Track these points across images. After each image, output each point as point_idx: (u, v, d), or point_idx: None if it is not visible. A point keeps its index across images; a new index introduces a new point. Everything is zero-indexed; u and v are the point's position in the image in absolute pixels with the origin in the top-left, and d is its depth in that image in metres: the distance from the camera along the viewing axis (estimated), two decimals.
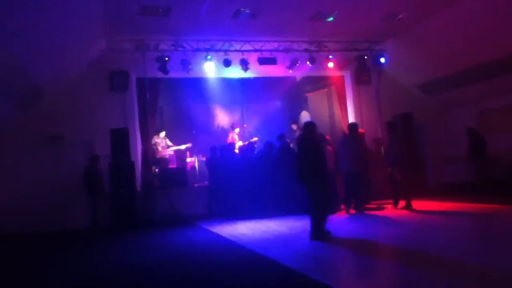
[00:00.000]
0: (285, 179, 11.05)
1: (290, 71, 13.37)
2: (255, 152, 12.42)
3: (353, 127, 10.95)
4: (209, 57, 12.28)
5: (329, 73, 14.24)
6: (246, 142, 13.61)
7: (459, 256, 5.63)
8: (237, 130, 14.28)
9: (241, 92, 14.76)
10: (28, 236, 10.47)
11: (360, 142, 10.98)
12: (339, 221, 9.67)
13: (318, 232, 7.26)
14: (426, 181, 14.00)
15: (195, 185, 12.79)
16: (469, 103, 13.63)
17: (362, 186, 10.70)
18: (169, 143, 13.28)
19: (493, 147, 12.10)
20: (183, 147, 13.46)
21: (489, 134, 12.35)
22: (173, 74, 12.33)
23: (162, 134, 13.08)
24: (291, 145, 12.36)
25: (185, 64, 12.04)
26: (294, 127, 14.60)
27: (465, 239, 6.90)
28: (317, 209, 7.32)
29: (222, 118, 15.88)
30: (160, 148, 12.92)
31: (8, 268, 7.52)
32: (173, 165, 13.42)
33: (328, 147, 11.21)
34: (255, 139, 13.79)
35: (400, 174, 10.40)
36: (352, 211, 10.41)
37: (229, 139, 13.89)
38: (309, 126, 7.63)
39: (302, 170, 7.40)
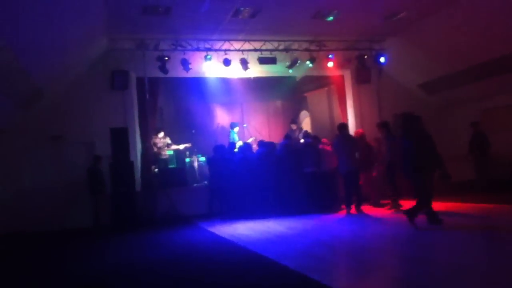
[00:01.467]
0: (286, 179, 11.06)
1: (290, 70, 13.35)
2: (254, 152, 12.40)
3: (342, 126, 11.06)
4: (209, 56, 12.26)
5: (329, 73, 14.22)
6: (243, 143, 13.60)
7: (461, 255, 5.62)
8: (236, 129, 14.26)
9: (241, 92, 14.75)
10: (30, 235, 10.47)
11: (355, 140, 10.99)
12: (340, 220, 9.67)
13: (434, 216, 7.70)
14: None
15: (195, 185, 12.78)
16: (471, 102, 13.62)
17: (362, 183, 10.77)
18: (169, 141, 13.25)
19: (495, 146, 12.07)
20: (181, 147, 13.44)
21: (491, 133, 12.32)
22: (173, 73, 12.31)
23: (161, 134, 13.06)
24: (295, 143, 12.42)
25: (185, 63, 12.01)
26: (294, 126, 14.60)
27: (466, 238, 6.88)
28: (428, 196, 7.69)
29: (222, 117, 15.88)
30: (158, 148, 12.90)
31: (10, 267, 7.51)
32: (172, 165, 13.40)
33: (327, 147, 11.24)
34: (251, 139, 13.79)
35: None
36: (353, 211, 10.41)
37: (231, 138, 13.86)
38: (416, 119, 8.09)
39: (416, 160, 7.63)
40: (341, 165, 10.58)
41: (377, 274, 5.26)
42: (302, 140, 12.77)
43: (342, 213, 10.51)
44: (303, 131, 13.91)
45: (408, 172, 7.84)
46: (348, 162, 10.41)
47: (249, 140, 13.70)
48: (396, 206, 10.36)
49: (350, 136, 11.22)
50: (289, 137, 12.02)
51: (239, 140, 13.89)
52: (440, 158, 7.71)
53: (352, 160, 10.45)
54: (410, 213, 7.69)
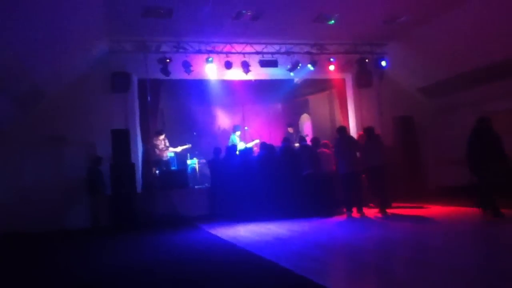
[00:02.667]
0: (286, 182, 11.05)
1: (292, 73, 13.37)
2: (255, 155, 12.42)
3: (341, 129, 11.17)
4: (210, 59, 12.29)
5: (330, 76, 14.24)
6: (246, 145, 13.63)
7: (459, 258, 5.61)
8: (238, 132, 14.29)
9: (242, 94, 14.79)
10: (29, 235, 10.46)
11: (355, 142, 11.07)
12: (340, 223, 9.68)
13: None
14: (426, 184, 13.95)
15: (196, 187, 12.79)
16: (471, 106, 13.57)
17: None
18: (167, 144, 13.26)
19: None
20: (179, 149, 13.44)
21: None
22: (175, 75, 12.35)
23: (162, 136, 13.08)
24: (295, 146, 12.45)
25: (187, 66, 12.04)
26: (291, 130, 14.64)
27: (464, 241, 6.87)
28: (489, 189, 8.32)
29: (223, 120, 15.91)
30: (159, 150, 12.91)
31: (9, 267, 7.51)
32: (173, 167, 13.41)
33: (326, 150, 11.28)
34: (255, 142, 13.80)
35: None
36: (355, 214, 10.43)
37: (230, 141, 13.89)
38: (482, 120, 8.57)
39: (486, 158, 8.25)
40: (342, 168, 10.60)
41: (376, 277, 5.26)
42: (297, 144, 12.80)
43: (343, 216, 10.50)
44: (299, 135, 13.96)
45: (471, 166, 8.47)
46: (349, 165, 10.44)
47: (252, 143, 13.74)
48: (384, 212, 10.42)
49: (350, 138, 11.26)
50: (287, 140, 12.04)
51: (241, 142, 13.91)
52: (492, 156, 8.18)
53: (352, 162, 10.48)
54: (493, 211, 8.17)
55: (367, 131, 11.03)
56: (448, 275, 4.89)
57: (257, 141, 13.91)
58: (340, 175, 10.72)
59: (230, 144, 13.34)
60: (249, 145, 13.87)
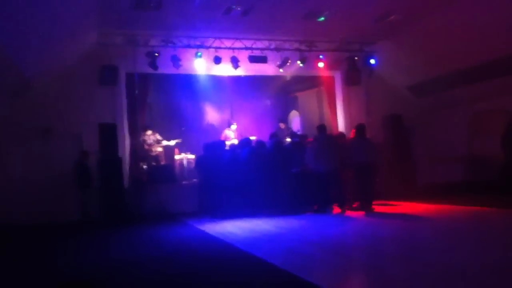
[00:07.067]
0: (275, 178, 11.03)
1: (281, 70, 13.34)
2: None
3: (321, 127, 11.21)
4: (199, 53, 12.20)
5: (319, 73, 14.25)
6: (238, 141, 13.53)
7: (449, 256, 5.65)
8: (233, 127, 14.16)
9: (231, 90, 14.71)
10: (17, 228, 10.30)
11: (335, 141, 11.10)
12: (328, 220, 9.70)
13: None
14: (415, 182, 14.05)
15: (183, 182, 12.72)
16: (460, 105, 13.71)
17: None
18: (159, 137, 13.15)
19: (484, 149, 12.14)
20: (172, 142, 13.36)
21: (480, 136, 12.40)
22: (163, 70, 12.24)
23: (149, 132, 12.97)
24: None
25: (175, 60, 11.95)
26: (282, 125, 14.60)
27: (453, 239, 6.92)
28: None
29: (211, 115, 15.82)
30: (147, 145, 12.81)
31: None
32: (161, 162, 13.32)
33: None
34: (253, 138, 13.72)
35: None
36: (337, 211, 10.47)
37: (223, 136, 13.78)
38: None
39: None
40: (321, 166, 10.60)
41: (364, 273, 5.27)
42: (288, 139, 12.78)
43: (332, 213, 10.53)
44: (290, 131, 13.93)
45: None
46: (328, 163, 10.48)
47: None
48: (365, 209, 10.40)
49: (330, 136, 11.32)
50: (275, 136, 11.98)
51: (235, 138, 13.79)
52: None
53: (331, 160, 10.51)
54: None
55: (357, 128, 11.00)
56: (437, 271, 4.91)
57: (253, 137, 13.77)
58: (320, 173, 10.68)
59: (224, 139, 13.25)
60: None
